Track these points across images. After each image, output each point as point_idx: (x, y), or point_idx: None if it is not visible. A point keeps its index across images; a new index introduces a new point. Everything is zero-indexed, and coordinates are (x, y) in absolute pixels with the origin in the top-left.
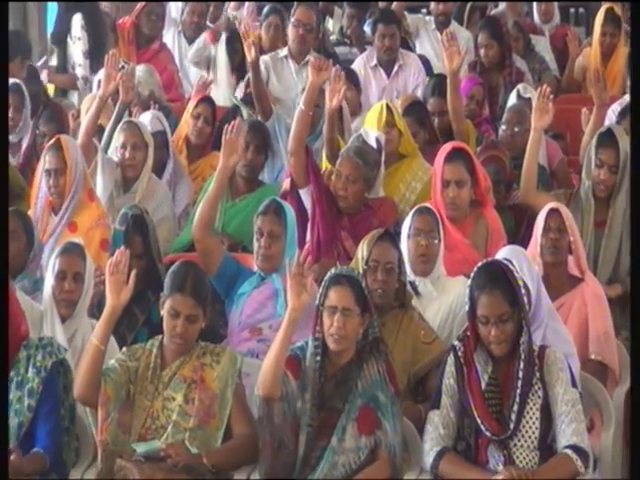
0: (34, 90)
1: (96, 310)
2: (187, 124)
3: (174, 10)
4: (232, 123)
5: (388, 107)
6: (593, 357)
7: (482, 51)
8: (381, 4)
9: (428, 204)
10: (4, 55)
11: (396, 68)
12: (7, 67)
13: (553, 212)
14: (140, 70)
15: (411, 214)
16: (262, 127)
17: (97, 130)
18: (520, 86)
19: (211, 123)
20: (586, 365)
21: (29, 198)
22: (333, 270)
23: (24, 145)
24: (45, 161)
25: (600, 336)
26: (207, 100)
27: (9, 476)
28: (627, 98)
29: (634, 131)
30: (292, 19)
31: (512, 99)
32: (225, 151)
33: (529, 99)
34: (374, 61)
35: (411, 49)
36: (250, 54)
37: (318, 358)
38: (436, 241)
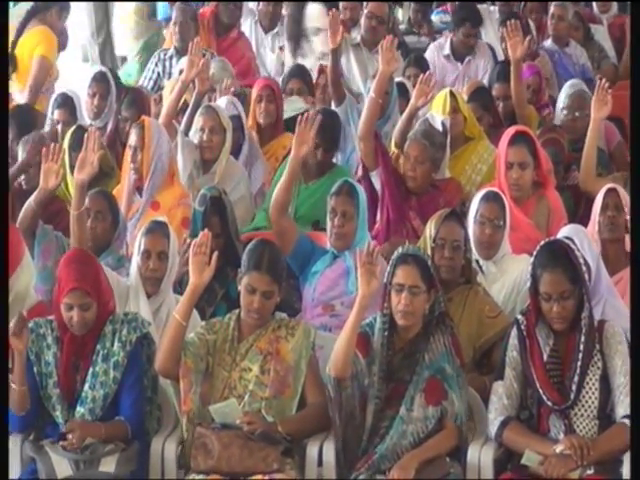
0: None
1: (178, 286)
2: (253, 111)
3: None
4: (304, 115)
5: (452, 94)
6: None
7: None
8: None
9: (495, 189)
10: (4, 55)
11: (469, 57)
12: (7, 66)
13: (611, 191)
14: (214, 66)
15: (479, 198)
16: (332, 128)
17: (177, 112)
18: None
19: (274, 101)
20: None
21: (117, 177)
22: (400, 249)
23: (108, 129)
24: (129, 138)
25: None
26: (267, 86)
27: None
28: None
29: (634, 130)
30: (365, 11)
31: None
32: (297, 141)
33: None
34: (447, 50)
35: (479, 37)
36: (334, 40)
37: (386, 333)
38: (501, 223)
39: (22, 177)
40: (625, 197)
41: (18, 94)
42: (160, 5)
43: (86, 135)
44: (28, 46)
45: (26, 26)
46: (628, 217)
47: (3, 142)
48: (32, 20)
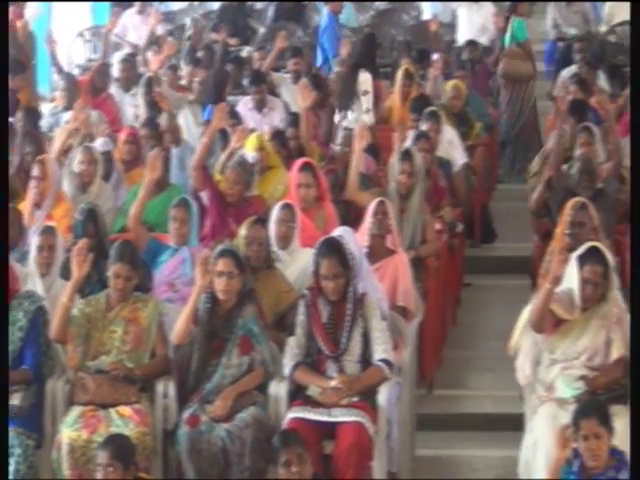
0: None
1: (64, 272)
2: (121, 149)
3: (116, 71)
4: (154, 152)
5: (258, 137)
6: (400, 304)
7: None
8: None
9: (289, 201)
10: (4, 56)
11: (266, 109)
12: (7, 67)
13: (380, 202)
14: (93, 116)
15: (277, 207)
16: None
17: (65, 150)
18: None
19: (135, 143)
20: (394, 308)
21: (22, 196)
22: (220, 246)
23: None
24: (33, 171)
25: (405, 290)
26: (131, 133)
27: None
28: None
29: (634, 133)
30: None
31: (340, 129)
32: (150, 168)
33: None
34: (250, 105)
35: (277, 95)
36: (171, 121)
37: (208, 306)
38: (293, 225)
39: None
40: (389, 207)
41: None
42: None
43: None
44: None
45: None
46: (391, 222)
47: (3, 142)
48: None
